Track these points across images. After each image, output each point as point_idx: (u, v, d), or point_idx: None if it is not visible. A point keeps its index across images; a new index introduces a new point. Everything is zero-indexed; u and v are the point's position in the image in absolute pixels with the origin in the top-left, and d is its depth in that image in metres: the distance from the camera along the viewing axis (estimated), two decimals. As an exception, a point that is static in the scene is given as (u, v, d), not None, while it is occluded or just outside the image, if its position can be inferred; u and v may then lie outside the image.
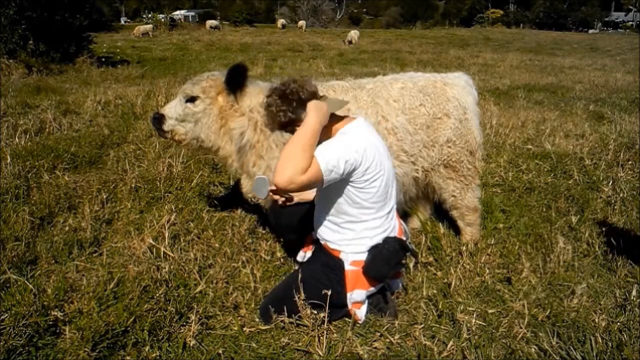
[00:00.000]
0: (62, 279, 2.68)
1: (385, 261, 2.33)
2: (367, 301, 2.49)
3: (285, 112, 2.27)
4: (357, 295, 2.41)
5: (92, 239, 3.24)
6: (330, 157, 2.10)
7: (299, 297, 2.35)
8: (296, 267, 2.78)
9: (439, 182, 3.16)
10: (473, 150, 3.13)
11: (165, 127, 3.01)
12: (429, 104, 2.99)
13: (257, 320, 2.50)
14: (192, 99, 2.92)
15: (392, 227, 2.46)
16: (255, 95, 2.90)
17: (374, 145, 2.27)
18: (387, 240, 2.38)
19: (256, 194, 2.44)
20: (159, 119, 3.02)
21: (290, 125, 2.31)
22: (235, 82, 2.85)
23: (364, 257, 2.37)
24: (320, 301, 2.33)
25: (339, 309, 2.43)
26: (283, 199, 2.52)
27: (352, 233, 2.37)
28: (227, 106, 2.90)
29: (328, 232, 2.42)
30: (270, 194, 2.43)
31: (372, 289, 2.44)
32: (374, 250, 2.36)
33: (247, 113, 2.88)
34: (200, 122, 2.95)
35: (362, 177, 2.23)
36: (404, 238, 2.55)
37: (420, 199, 3.49)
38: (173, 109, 2.99)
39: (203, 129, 2.96)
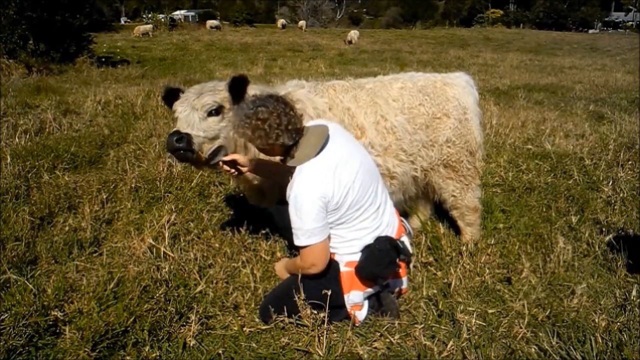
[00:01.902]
0: (62, 279, 2.68)
1: (377, 261, 2.32)
2: (367, 304, 2.49)
3: (278, 136, 2.20)
4: (354, 296, 2.41)
5: (92, 239, 3.25)
6: (307, 229, 2.23)
7: (298, 297, 2.35)
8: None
9: (438, 182, 3.16)
10: (473, 150, 3.13)
11: (196, 147, 2.55)
12: (428, 103, 2.99)
13: (257, 320, 2.50)
14: (216, 112, 2.61)
15: (386, 224, 2.45)
16: None
17: (333, 167, 2.23)
18: (378, 239, 2.36)
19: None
20: (187, 139, 2.51)
21: (270, 151, 2.31)
22: (240, 92, 2.66)
23: (357, 257, 2.37)
24: (319, 301, 2.33)
25: (338, 309, 2.43)
26: (232, 170, 2.65)
27: (341, 238, 2.38)
28: None
29: None
30: (221, 163, 2.64)
31: (369, 290, 2.44)
32: (366, 251, 2.35)
33: None
34: (229, 135, 2.65)
35: (332, 203, 2.24)
36: (406, 236, 2.54)
37: (420, 198, 3.49)
38: (196, 125, 2.57)
39: (230, 142, 2.69)
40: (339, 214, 2.28)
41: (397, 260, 2.35)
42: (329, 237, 2.33)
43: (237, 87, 2.65)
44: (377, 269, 2.32)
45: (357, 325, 2.46)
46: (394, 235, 2.47)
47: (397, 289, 2.66)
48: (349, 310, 2.43)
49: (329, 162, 2.26)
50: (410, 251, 2.51)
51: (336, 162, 2.26)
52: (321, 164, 2.25)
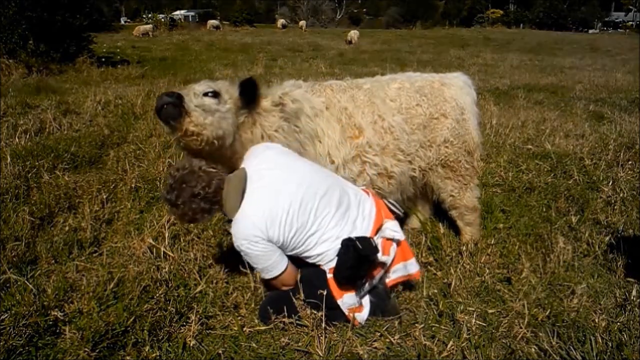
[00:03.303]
0: (62, 279, 2.68)
1: (346, 265, 2.28)
2: (368, 305, 2.48)
3: (193, 219, 2.38)
4: (348, 298, 2.39)
5: (92, 239, 3.25)
6: (263, 267, 2.34)
7: (297, 298, 2.35)
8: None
9: (437, 181, 3.16)
10: (471, 150, 3.13)
11: (186, 106, 2.42)
12: (425, 104, 3.00)
13: (257, 320, 2.50)
14: (214, 94, 2.53)
15: (353, 220, 2.40)
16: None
17: (262, 210, 2.26)
18: (342, 243, 2.32)
19: None
20: (177, 95, 2.42)
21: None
22: (250, 95, 2.63)
23: None
24: (317, 301, 2.33)
25: (338, 310, 2.42)
26: None
27: (314, 256, 2.38)
28: (242, 116, 2.67)
29: (301, 260, 2.45)
30: None
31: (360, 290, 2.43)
32: (337, 257, 2.33)
33: (257, 121, 2.73)
34: (226, 121, 2.54)
35: (274, 240, 2.27)
36: (390, 221, 2.48)
37: (419, 198, 3.49)
38: (190, 97, 2.49)
39: (229, 128, 2.56)
40: (290, 245, 2.32)
41: (368, 257, 2.28)
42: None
43: (248, 91, 2.62)
44: (347, 272, 2.30)
45: (357, 326, 2.46)
46: (371, 226, 2.43)
47: (412, 273, 2.60)
48: (346, 313, 2.41)
49: (258, 205, 2.29)
50: (399, 234, 2.45)
51: (267, 204, 2.28)
52: (251, 210, 2.28)
